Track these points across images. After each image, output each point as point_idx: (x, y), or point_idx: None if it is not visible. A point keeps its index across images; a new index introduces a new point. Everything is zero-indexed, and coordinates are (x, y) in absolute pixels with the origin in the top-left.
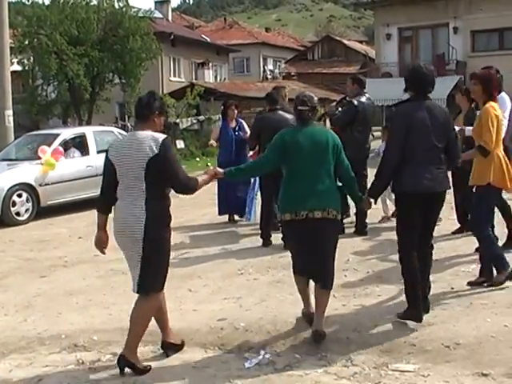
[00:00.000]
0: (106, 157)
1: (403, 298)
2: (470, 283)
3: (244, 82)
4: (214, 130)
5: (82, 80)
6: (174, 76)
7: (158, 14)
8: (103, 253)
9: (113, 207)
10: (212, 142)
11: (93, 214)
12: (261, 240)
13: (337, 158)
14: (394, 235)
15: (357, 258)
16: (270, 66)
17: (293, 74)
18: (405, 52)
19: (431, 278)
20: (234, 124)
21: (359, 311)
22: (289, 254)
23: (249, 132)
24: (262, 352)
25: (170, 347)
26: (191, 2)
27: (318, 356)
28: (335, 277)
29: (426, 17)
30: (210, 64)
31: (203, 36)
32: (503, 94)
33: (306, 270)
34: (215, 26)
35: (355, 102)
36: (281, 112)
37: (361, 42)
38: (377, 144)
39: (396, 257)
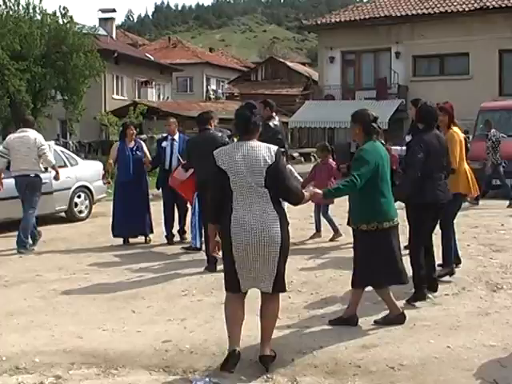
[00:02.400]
0: (216, 165)
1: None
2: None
3: (187, 101)
4: (111, 152)
5: (24, 96)
6: (117, 94)
7: (102, 31)
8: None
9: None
10: (110, 161)
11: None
12: (204, 259)
13: None
14: (338, 256)
15: (301, 280)
16: (214, 86)
17: (236, 94)
18: (348, 75)
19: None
20: (132, 144)
21: (304, 333)
22: None
23: (147, 152)
24: (207, 379)
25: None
26: (135, 20)
27: (263, 378)
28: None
29: (369, 41)
30: (154, 83)
31: (147, 54)
32: None
33: (390, 275)
34: (159, 45)
35: (271, 125)
36: (210, 131)
37: (304, 64)
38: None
39: (338, 276)
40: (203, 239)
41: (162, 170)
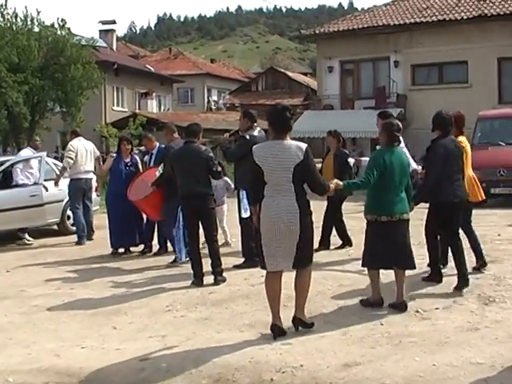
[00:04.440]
0: (253, 160)
1: (329, 336)
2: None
3: (187, 112)
4: (107, 161)
5: (22, 108)
6: (117, 105)
7: (101, 43)
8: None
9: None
10: (103, 168)
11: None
12: (190, 273)
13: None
14: (327, 268)
15: (287, 293)
16: (215, 97)
17: (237, 104)
18: (346, 84)
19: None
20: (128, 159)
21: (285, 350)
22: (217, 289)
23: (141, 170)
24: None
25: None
26: (137, 32)
27: None
28: (264, 315)
29: (368, 50)
30: (154, 94)
31: (147, 66)
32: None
33: (387, 260)
34: (160, 56)
35: (247, 137)
36: (194, 145)
37: (305, 74)
38: None
39: (327, 290)
40: (188, 251)
41: None
